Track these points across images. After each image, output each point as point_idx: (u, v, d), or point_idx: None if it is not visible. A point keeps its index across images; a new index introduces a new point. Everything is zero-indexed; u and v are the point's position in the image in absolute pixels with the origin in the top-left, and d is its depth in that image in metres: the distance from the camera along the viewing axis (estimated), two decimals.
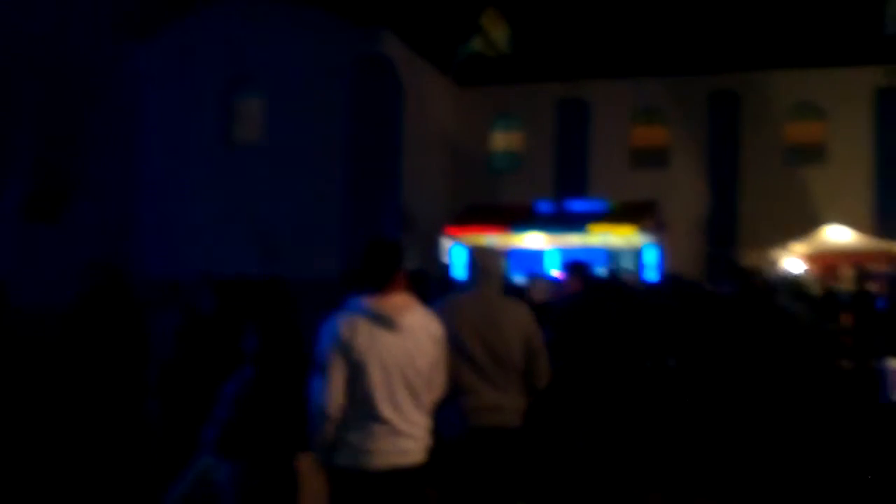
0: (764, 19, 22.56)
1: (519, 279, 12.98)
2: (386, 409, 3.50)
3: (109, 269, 6.35)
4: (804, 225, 18.87)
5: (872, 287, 9.98)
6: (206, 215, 20.69)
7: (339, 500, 3.55)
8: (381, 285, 3.59)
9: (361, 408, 3.48)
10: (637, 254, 19.52)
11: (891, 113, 21.80)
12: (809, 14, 21.99)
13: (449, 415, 3.95)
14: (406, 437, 3.56)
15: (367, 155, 20.32)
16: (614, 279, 11.41)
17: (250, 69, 21.57)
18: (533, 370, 4.19)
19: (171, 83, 21.73)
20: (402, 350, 3.58)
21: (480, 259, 4.29)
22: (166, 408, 5.62)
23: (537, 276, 9.63)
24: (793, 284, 8.36)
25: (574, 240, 19.06)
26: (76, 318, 6.04)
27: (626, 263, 19.22)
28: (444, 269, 18.11)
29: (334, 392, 3.42)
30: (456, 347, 3.95)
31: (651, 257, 19.65)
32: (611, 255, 19.08)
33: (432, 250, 20.28)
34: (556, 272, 15.82)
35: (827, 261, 16.52)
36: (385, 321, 3.55)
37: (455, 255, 19.24)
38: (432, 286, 7.08)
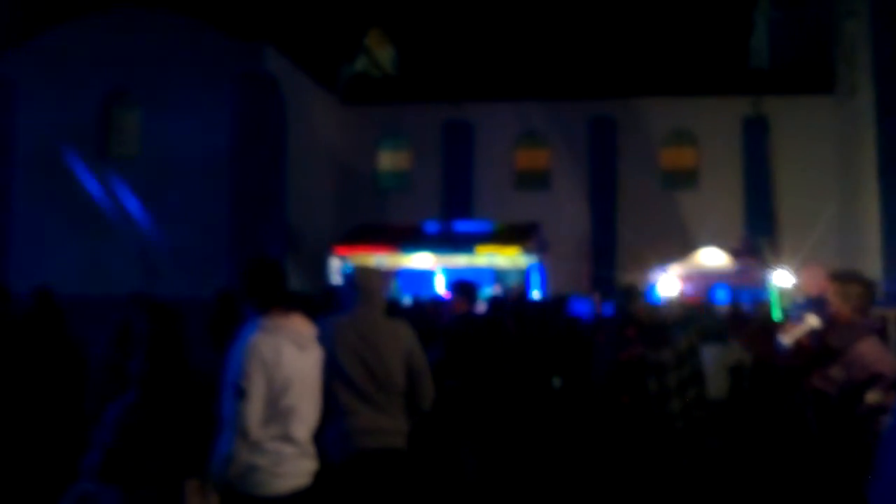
0: (641, 49, 23.57)
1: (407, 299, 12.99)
2: (299, 431, 3.49)
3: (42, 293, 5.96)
4: (680, 247, 19.64)
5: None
6: (79, 231, 19.76)
7: None
8: (268, 305, 3.55)
9: (275, 430, 3.42)
10: (522, 274, 19.85)
11: (756, 141, 23.08)
12: (683, 46, 23.14)
13: (334, 437, 3.90)
14: (311, 458, 3.58)
15: (250, 173, 19.87)
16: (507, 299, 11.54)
17: (129, 81, 20.76)
18: (416, 391, 4.16)
19: (45, 92, 20.64)
20: (310, 371, 3.60)
21: (360, 279, 4.26)
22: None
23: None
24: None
25: (461, 260, 19.21)
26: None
27: (512, 284, 19.51)
28: (333, 289, 17.95)
29: (255, 414, 3.34)
30: (334, 369, 3.92)
31: (535, 278, 20.02)
32: (497, 275, 19.34)
33: (321, 270, 20.03)
34: (443, 292, 15.94)
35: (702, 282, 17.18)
36: (301, 342, 3.54)
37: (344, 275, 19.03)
38: (321, 306, 6.99)
